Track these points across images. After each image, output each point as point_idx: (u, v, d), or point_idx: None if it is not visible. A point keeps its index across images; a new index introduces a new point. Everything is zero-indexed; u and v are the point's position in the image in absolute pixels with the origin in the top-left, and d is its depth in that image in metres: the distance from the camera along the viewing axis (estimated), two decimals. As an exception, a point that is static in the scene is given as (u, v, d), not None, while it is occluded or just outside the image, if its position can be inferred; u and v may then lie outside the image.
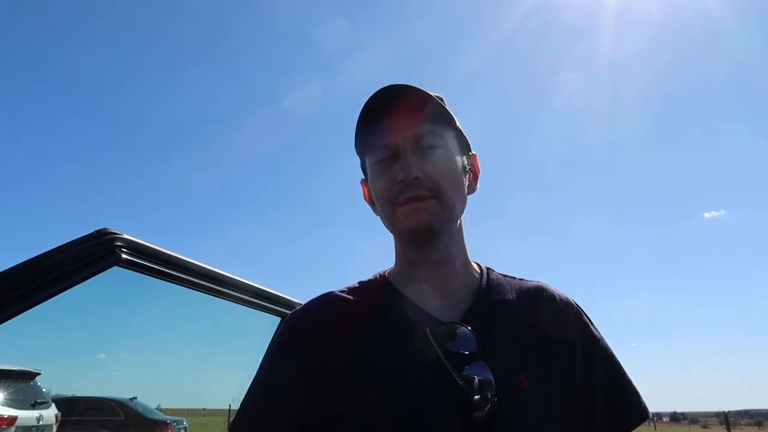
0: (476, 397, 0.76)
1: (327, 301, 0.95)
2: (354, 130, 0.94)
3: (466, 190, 0.96)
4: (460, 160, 0.95)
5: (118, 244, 1.15)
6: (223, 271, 1.50)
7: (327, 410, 0.83)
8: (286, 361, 0.90)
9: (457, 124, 0.97)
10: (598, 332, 0.97)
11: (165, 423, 12.49)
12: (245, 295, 1.62)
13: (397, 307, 0.90)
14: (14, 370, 7.19)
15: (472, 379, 0.78)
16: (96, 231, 1.12)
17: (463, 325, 0.83)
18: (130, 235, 1.18)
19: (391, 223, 0.93)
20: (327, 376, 0.85)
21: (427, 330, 0.82)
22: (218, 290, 1.51)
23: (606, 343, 0.97)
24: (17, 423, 6.67)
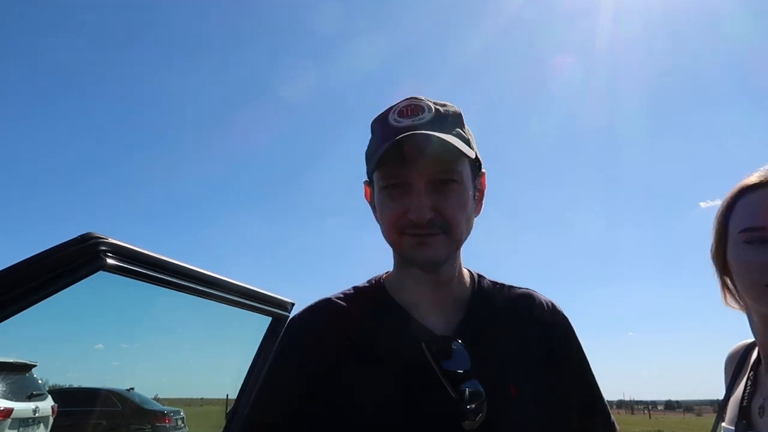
0: (467, 408, 0.79)
1: (324, 308, 0.97)
2: (370, 126, 0.93)
3: (474, 215, 0.93)
4: (472, 188, 0.90)
5: (103, 248, 1.13)
6: (211, 272, 1.49)
7: (323, 419, 0.86)
8: (288, 368, 0.93)
9: (473, 145, 0.92)
10: (579, 342, 1.00)
11: (162, 413, 12.49)
12: (235, 296, 1.62)
13: (392, 317, 0.93)
14: (9, 363, 7.19)
15: (464, 391, 0.80)
16: (80, 236, 1.10)
17: (456, 341, 0.85)
18: (116, 239, 1.16)
19: (395, 248, 0.92)
20: (324, 384, 0.88)
21: (423, 345, 0.84)
22: (208, 292, 1.50)
23: (584, 353, 1.00)
24: (13, 415, 6.67)
